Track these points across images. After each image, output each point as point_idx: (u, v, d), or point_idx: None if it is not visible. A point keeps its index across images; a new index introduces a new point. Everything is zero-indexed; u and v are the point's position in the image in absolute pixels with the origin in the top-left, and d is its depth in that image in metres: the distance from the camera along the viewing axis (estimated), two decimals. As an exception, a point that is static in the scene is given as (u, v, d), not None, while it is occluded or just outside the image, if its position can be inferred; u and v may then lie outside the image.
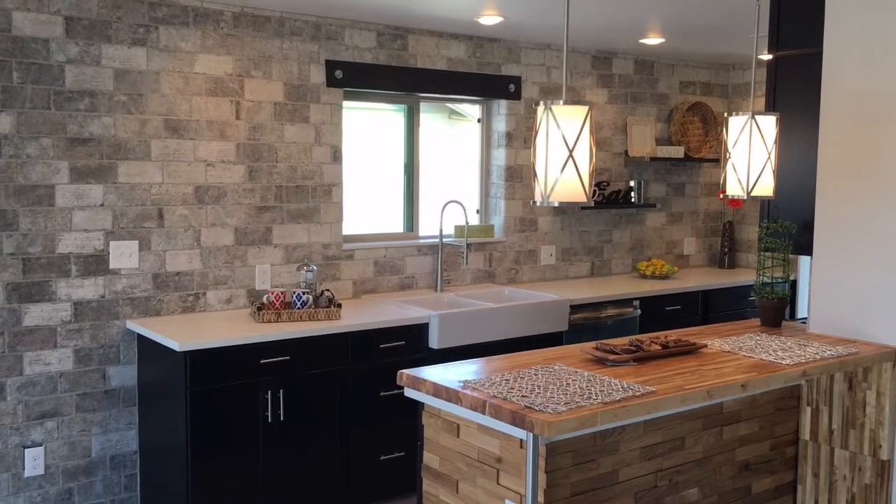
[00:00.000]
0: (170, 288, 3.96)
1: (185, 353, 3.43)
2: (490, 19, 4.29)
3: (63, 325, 3.68)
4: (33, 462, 3.62)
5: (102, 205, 3.75)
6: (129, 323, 3.82)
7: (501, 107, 5.09)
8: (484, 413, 2.34)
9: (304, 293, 3.98)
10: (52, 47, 3.57)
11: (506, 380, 2.53)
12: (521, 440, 2.38)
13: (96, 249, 3.75)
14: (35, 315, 3.61)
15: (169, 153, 3.91)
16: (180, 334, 3.55)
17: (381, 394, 3.96)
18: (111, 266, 3.79)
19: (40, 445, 3.64)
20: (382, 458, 4.01)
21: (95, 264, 3.75)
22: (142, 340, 3.79)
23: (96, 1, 3.65)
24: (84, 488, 3.77)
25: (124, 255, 3.82)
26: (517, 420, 2.24)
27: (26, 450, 3.61)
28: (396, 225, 4.90)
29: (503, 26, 4.51)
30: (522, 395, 2.36)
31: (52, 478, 3.68)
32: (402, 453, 4.02)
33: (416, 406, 2.78)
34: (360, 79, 4.44)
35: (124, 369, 3.84)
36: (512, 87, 5.02)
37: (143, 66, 3.80)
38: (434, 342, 4.08)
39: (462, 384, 2.50)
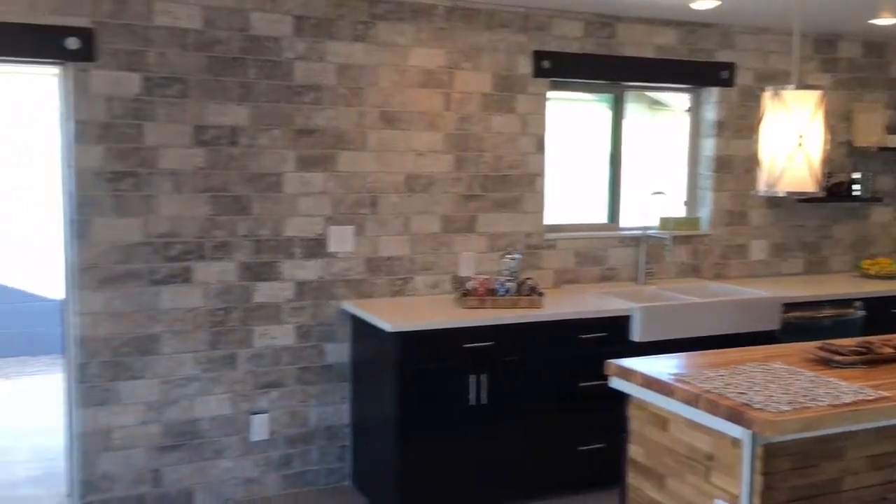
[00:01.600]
0: (381, 272, 4.16)
1: (395, 333, 3.60)
2: (705, 3, 4.13)
3: (287, 302, 3.97)
4: (259, 428, 3.94)
5: (323, 192, 4.00)
6: (344, 303, 4.06)
7: (712, 95, 4.89)
8: (697, 407, 2.28)
9: (507, 281, 4.04)
10: (284, 45, 3.85)
11: (720, 375, 2.45)
12: (736, 439, 2.30)
13: (317, 234, 4.01)
14: (264, 292, 3.92)
15: (384, 143, 4.10)
16: (391, 316, 3.72)
17: (581, 384, 3.94)
18: (329, 249, 4.04)
19: (265, 413, 3.96)
20: (580, 448, 4.00)
21: (316, 247, 4.01)
22: (356, 320, 4.01)
23: (322, 0, 3.89)
24: (302, 455, 4.06)
25: (341, 239, 4.06)
26: (734, 417, 2.16)
27: (253, 416, 3.93)
28: (599, 216, 4.85)
29: (718, 11, 4.33)
30: (739, 392, 2.27)
31: (274, 443, 4.00)
32: (601, 445, 3.99)
33: (617, 398, 2.75)
34: (566, 69, 4.43)
35: (339, 347, 4.09)
36: (725, 73, 4.80)
37: (362, 60, 4.01)
38: (636, 335, 4.01)
39: (674, 377, 2.45)
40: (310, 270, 4.00)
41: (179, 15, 3.63)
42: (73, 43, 3.42)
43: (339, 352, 4.09)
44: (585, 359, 3.89)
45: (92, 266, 3.58)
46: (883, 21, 4.59)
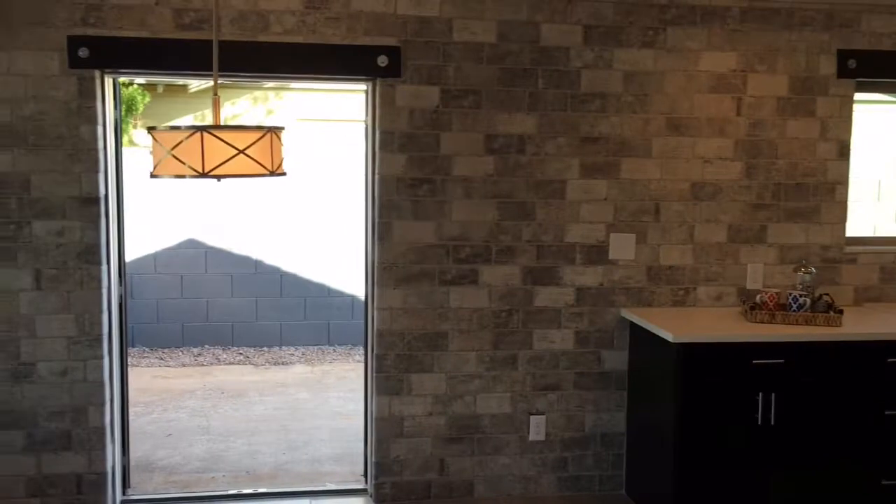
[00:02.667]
0: (662, 281, 4.08)
1: (678, 344, 3.52)
2: None
3: (567, 307, 4.03)
4: (536, 428, 4.04)
5: (605, 199, 4.01)
6: (623, 311, 4.04)
7: None
8: None
9: (800, 296, 3.79)
10: (572, 54, 3.91)
11: None
12: None
13: (598, 240, 4.03)
14: (544, 297, 4.01)
15: (668, 150, 4.03)
16: (673, 326, 3.64)
17: (887, 412, 3.59)
18: (610, 256, 4.04)
19: (542, 414, 4.05)
20: (885, 482, 3.64)
21: (596, 254, 4.03)
22: (634, 328, 3.97)
23: (612, 8, 3.91)
24: (577, 459, 4.10)
25: (622, 246, 4.04)
26: None
27: (531, 416, 4.04)
28: (909, 229, 4.39)
29: None
30: None
31: (550, 445, 4.07)
32: (909, 482, 3.61)
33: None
34: (876, 68, 4.07)
35: (617, 354, 4.07)
36: None
37: (650, 66, 3.97)
38: (956, 363, 3.57)
39: None
40: (590, 277, 4.03)
41: (476, 30, 3.83)
42: (383, 60, 3.75)
43: (617, 359, 4.08)
44: (892, 385, 3.54)
45: (391, 265, 3.89)
46: None
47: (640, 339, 3.93)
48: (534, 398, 4.04)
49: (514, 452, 4.05)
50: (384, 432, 3.95)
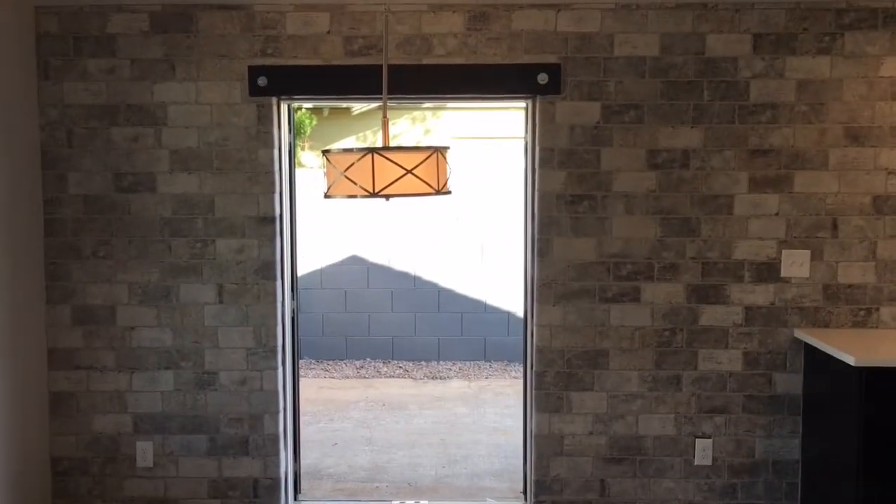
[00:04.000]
0: (840, 300, 3.84)
1: (860, 368, 3.29)
2: None
3: (734, 327, 3.87)
4: (702, 452, 3.89)
5: (777, 214, 3.83)
6: (796, 332, 3.83)
7: None
8: None
9: None
10: (740, 64, 3.78)
11: None
12: None
13: (769, 257, 3.85)
14: (709, 315, 3.87)
15: (847, 162, 3.80)
16: (854, 348, 3.41)
17: None
18: (782, 274, 3.85)
19: (709, 437, 3.90)
20: None
21: (767, 272, 3.85)
22: (809, 350, 3.76)
23: (784, 15, 3.75)
24: (747, 487, 3.91)
25: (795, 263, 3.84)
26: None
27: (697, 439, 3.90)
28: None
29: None
30: None
31: (718, 470, 3.91)
32: None
33: None
34: None
35: (790, 377, 3.87)
36: None
37: (825, 74, 3.76)
38: None
39: None
40: (759, 295, 3.86)
41: (637, 44, 3.78)
42: (543, 78, 3.76)
43: (790, 382, 3.87)
44: None
45: (551, 282, 3.88)
46: None
47: (817, 361, 3.71)
48: (699, 421, 3.90)
49: (679, 476, 3.92)
50: (544, 450, 3.94)
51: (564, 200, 3.86)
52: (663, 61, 3.79)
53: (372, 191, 2.55)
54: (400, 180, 2.55)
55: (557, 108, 3.82)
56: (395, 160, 2.53)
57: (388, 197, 2.60)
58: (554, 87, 3.79)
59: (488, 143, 8.30)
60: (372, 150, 2.54)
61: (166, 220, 3.88)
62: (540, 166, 3.86)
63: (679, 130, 3.81)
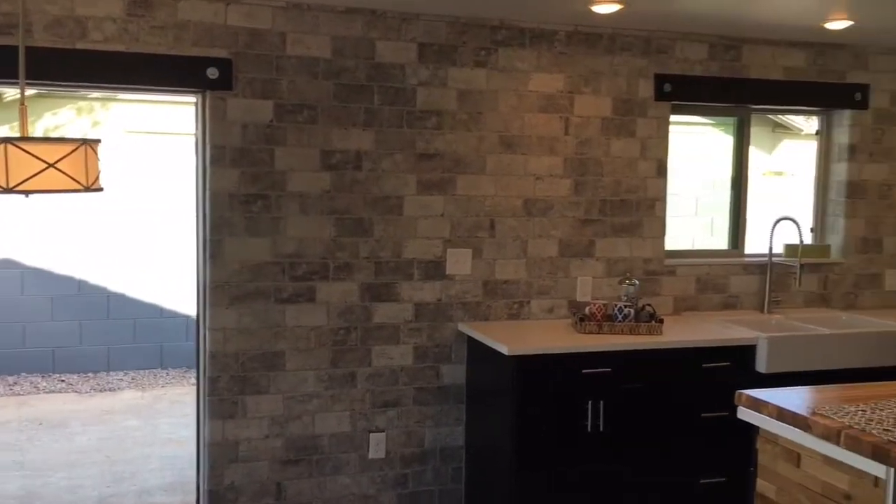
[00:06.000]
0: (497, 295, 4.18)
1: (513, 357, 3.60)
2: (838, 24, 3.99)
3: (405, 323, 4.03)
4: (376, 446, 4.01)
5: (442, 214, 4.06)
6: (460, 325, 4.09)
7: (844, 117, 4.70)
8: (837, 444, 2.18)
9: (625, 306, 3.98)
10: (407, 71, 3.94)
11: (861, 410, 2.33)
12: (878, 478, 2.17)
13: (435, 256, 4.06)
14: (383, 313, 4.00)
15: (502, 167, 4.13)
16: (508, 339, 3.72)
17: (703, 414, 3.83)
18: (447, 272, 4.09)
19: (382, 431, 4.03)
20: (703, 481, 3.87)
21: (434, 269, 4.07)
22: (471, 343, 4.04)
23: (445, 27, 3.98)
24: (417, 475, 4.10)
25: (458, 262, 4.10)
26: (879, 455, 2.05)
27: (371, 434, 4.01)
28: (720, 242, 4.72)
29: (851, 31, 4.16)
30: (884, 429, 2.16)
31: (391, 462, 4.05)
32: (724, 479, 3.86)
33: (742, 430, 2.65)
34: (688, 92, 4.36)
35: (455, 368, 4.12)
36: (858, 95, 4.61)
37: (483, 85, 4.06)
38: (762, 366, 3.86)
39: (810, 410, 2.35)
40: (428, 292, 4.06)
41: (310, 45, 3.78)
42: (213, 73, 3.62)
43: (455, 373, 4.13)
44: (708, 388, 3.79)
45: (223, 284, 3.75)
46: None
47: (477, 352, 3.99)
48: (373, 415, 4.01)
49: (354, 471, 4.00)
50: (218, 458, 3.79)
51: (238, 200, 3.75)
52: (336, 64, 3.83)
53: (6, 186, 2.27)
54: (41, 175, 2.29)
55: (229, 104, 3.70)
56: (34, 152, 2.27)
57: (26, 193, 2.32)
58: (225, 83, 3.66)
59: (164, 139, 7.84)
60: (5, 141, 2.25)
61: None
62: (212, 164, 3.71)
63: (352, 132, 3.88)
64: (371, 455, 4.01)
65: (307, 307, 3.87)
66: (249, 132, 3.74)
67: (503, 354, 3.63)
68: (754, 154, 4.78)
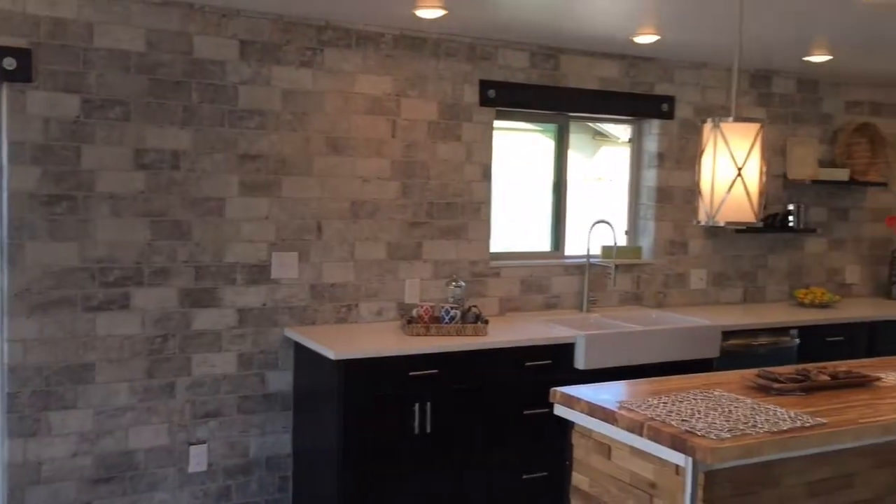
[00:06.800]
0: (325, 298, 4.11)
1: (339, 361, 3.55)
2: (646, 38, 4.24)
3: (228, 329, 3.89)
4: (197, 459, 3.83)
5: (267, 217, 3.95)
6: (287, 331, 4.00)
7: (653, 126, 5.00)
8: (641, 435, 2.30)
9: (452, 308, 4.04)
10: (228, 68, 3.81)
11: (663, 403, 2.47)
12: (678, 466, 2.31)
13: (260, 260, 3.95)
14: (204, 319, 3.83)
15: (329, 169, 4.08)
16: (335, 343, 3.67)
17: (526, 412, 3.94)
18: (272, 276, 3.98)
19: (204, 443, 3.86)
20: (525, 476, 3.99)
21: (259, 274, 3.95)
22: (298, 348, 3.95)
23: (269, 25, 3.87)
24: (241, 487, 3.96)
25: (284, 265, 4.01)
26: (677, 444, 2.18)
27: (191, 446, 3.83)
28: (543, 244, 4.89)
29: (658, 45, 4.44)
30: (682, 420, 2.30)
31: (213, 475, 3.89)
32: (545, 473, 3.99)
33: (561, 426, 2.75)
34: (511, 98, 4.49)
35: (282, 375, 4.02)
36: (665, 106, 4.92)
37: (309, 86, 3.99)
38: (581, 363, 4.03)
39: (617, 405, 2.46)
40: (252, 297, 3.94)
41: (121, 37, 3.57)
42: (10, 63, 3.33)
43: (281, 380, 4.02)
44: (530, 386, 3.90)
45: (24, 292, 3.46)
46: (816, 58, 4.75)
47: (304, 358, 3.91)
48: (194, 427, 3.84)
49: (173, 487, 3.80)
50: (17, 480, 3.49)
51: (39, 201, 3.47)
52: (150, 58, 3.64)
53: None
54: None
55: (29, 97, 3.42)
56: None
57: None
58: (24, 75, 3.38)
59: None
60: None
61: None
62: (10, 162, 3.42)
63: (168, 131, 3.70)
64: (192, 468, 3.83)
65: (120, 315, 3.65)
66: (53, 128, 3.47)
67: (330, 359, 3.57)
68: (577, 160, 4.99)
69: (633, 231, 5.14)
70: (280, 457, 4.04)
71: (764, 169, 2.26)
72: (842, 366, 2.99)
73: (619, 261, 4.78)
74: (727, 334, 4.48)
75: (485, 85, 4.41)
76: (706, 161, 2.28)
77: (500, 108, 4.50)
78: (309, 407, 3.92)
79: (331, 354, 3.56)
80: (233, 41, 3.81)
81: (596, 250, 4.80)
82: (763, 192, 2.27)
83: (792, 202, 5.37)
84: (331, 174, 4.08)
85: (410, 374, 3.69)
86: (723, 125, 2.24)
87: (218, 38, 3.77)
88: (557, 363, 4.01)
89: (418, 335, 3.90)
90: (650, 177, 5.04)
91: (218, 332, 3.87)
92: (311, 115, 4.01)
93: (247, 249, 3.91)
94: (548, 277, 4.72)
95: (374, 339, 3.87)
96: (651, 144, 5.03)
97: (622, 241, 5.06)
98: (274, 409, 4.01)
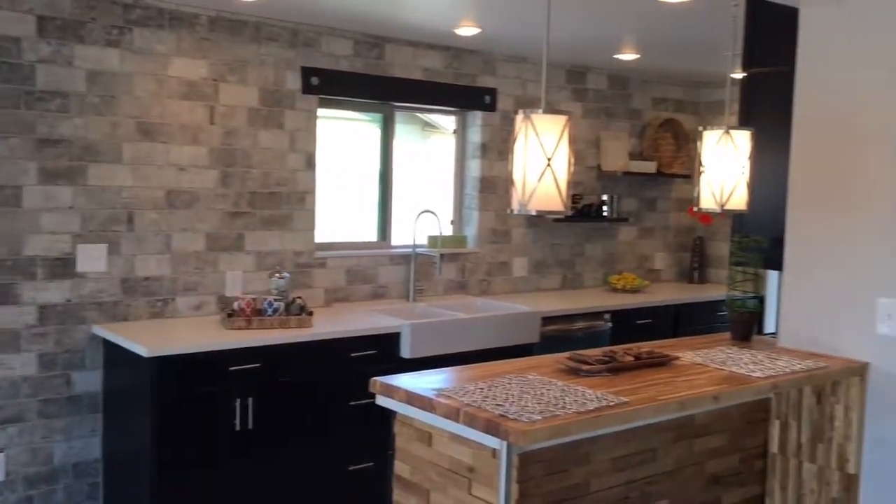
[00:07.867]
0: (138, 293, 3.90)
1: (152, 358, 3.37)
2: (467, 30, 4.31)
3: (27, 328, 3.60)
4: (-7, 469, 3.53)
5: (71, 207, 3.68)
6: (95, 328, 3.75)
7: (476, 118, 5.10)
8: (458, 421, 2.33)
9: (275, 300, 3.94)
10: (24, 46, 3.51)
11: (480, 388, 2.52)
12: (494, 449, 2.37)
13: (63, 252, 3.68)
14: (-1, 318, 3.53)
15: (141, 156, 3.86)
16: (148, 340, 3.48)
17: (351, 403, 3.92)
18: (78, 269, 3.72)
19: (2, 451, 3.56)
20: (351, 468, 3.97)
21: (62, 267, 3.68)
22: (108, 346, 3.72)
23: (70, 1, 3.60)
24: (45, 496, 3.69)
25: (92, 258, 3.76)
26: (491, 428, 2.23)
27: (-14, 456, 3.53)
28: (369, 234, 4.88)
29: (480, 38, 4.53)
30: (497, 404, 2.35)
31: (12, 485, 3.59)
32: (372, 464, 3.99)
33: (386, 416, 2.75)
34: (335, 86, 4.43)
35: (90, 375, 3.77)
36: (487, 98, 5.03)
37: (116, 67, 3.75)
38: (406, 352, 4.05)
39: (435, 392, 2.48)
40: (55, 292, 3.66)
41: None
42: None
43: (90, 380, 3.77)
44: (356, 377, 3.85)
45: None
46: (625, 56, 5.03)
47: (115, 356, 3.69)
48: (-11, 435, 3.53)
49: (-35, 502, 3.49)
50: None
51: None
52: (-71, 30, 3.29)
53: None
54: None
55: None
56: None
57: None
58: None
59: None
60: None
61: None
62: None
63: (-47, 111, 3.36)
64: (-14, 480, 3.53)
65: None
66: None
67: (142, 357, 3.39)
68: (407, 150, 5.00)
69: (458, 220, 5.23)
70: (88, 462, 3.79)
71: (571, 160, 2.35)
72: (645, 346, 3.17)
73: (444, 250, 4.85)
74: (546, 320, 4.65)
75: (308, 72, 4.32)
76: (518, 151, 2.34)
77: (323, 96, 4.43)
78: (120, 408, 3.71)
79: (143, 351, 3.38)
80: (29, 16, 3.51)
81: (422, 240, 4.85)
82: (570, 183, 2.35)
83: (606, 193, 5.65)
84: (143, 161, 3.86)
85: (231, 369, 3.57)
86: (533, 116, 2.30)
87: (11, 13, 3.46)
88: (383, 353, 4.01)
89: (239, 329, 3.78)
90: (474, 167, 5.14)
91: (16, 332, 3.57)
92: (120, 99, 3.77)
93: (48, 241, 3.63)
94: (374, 267, 4.71)
95: (191, 334, 3.71)
96: (475, 135, 5.13)
97: (448, 230, 5.14)
98: (81, 412, 3.76)
